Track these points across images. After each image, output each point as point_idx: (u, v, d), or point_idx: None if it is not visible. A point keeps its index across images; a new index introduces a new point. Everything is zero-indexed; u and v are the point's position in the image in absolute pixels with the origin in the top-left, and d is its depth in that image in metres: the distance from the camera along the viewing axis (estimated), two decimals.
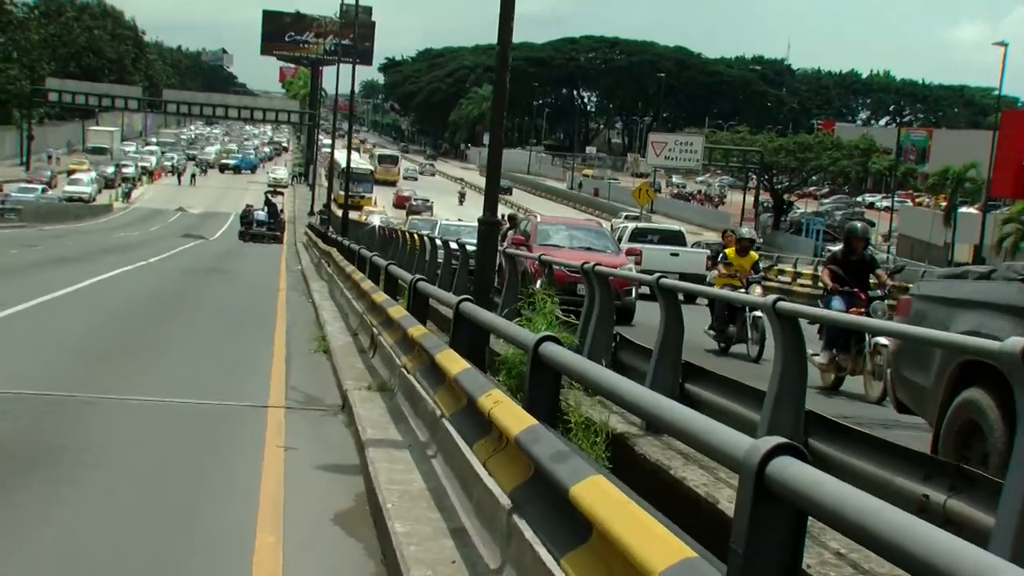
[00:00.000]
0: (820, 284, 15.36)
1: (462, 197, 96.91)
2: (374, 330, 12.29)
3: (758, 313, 13.96)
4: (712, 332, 16.16)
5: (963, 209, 66.12)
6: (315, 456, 8.50)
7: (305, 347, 14.91)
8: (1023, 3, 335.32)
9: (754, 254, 17.21)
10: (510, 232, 23.37)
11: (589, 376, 4.69)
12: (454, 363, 6.85)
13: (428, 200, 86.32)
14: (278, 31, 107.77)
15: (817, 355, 12.43)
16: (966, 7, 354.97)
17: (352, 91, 51.18)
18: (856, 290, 13.00)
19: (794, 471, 2.78)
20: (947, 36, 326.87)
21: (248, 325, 17.97)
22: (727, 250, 17.36)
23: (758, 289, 16.19)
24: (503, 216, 22.69)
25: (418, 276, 10.66)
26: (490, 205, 10.04)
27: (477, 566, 5.34)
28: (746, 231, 18.06)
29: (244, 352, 14.70)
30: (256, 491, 7.32)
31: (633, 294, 19.12)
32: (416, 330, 8.81)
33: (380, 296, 12.21)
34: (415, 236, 25.29)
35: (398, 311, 10.43)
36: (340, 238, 29.74)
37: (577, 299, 14.35)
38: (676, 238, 33.64)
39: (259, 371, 12.60)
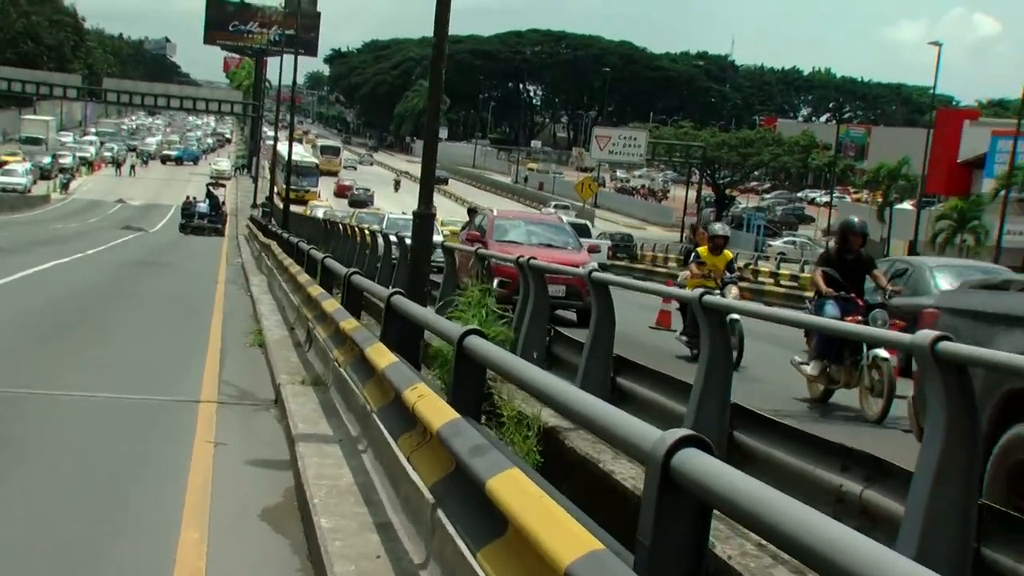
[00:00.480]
0: (812, 286, 13.12)
1: (397, 184, 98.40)
2: (310, 324, 12.21)
3: (735, 316, 12.07)
4: (684, 338, 14.71)
5: (899, 205, 67.08)
6: (245, 451, 8.44)
7: (241, 341, 14.79)
8: (959, 3, 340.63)
9: (728, 252, 15.51)
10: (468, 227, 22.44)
11: (509, 369, 4.69)
12: (382, 357, 6.83)
13: (369, 189, 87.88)
14: (222, 20, 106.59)
15: (805, 364, 11.67)
16: (905, 7, 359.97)
17: (294, 82, 50.69)
18: (853, 295, 11.61)
19: (697, 463, 2.80)
20: (886, 35, 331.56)
21: (184, 318, 17.80)
22: (699, 248, 15.54)
23: (734, 290, 14.69)
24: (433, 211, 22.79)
25: (352, 270, 10.60)
26: (425, 198, 10.01)
27: (402, 561, 5.34)
28: (719, 227, 15.88)
29: (179, 346, 14.56)
30: (183, 487, 7.26)
31: None
32: (348, 323, 8.78)
33: (316, 289, 12.15)
34: (361, 230, 25.26)
35: (332, 304, 10.38)
36: (280, 231, 29.48)
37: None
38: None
39: (193, 365, 12.49)
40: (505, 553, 3.70)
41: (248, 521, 6.67)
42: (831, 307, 11.28)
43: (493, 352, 4.97)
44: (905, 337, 4.67)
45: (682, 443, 2.89)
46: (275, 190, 60.19)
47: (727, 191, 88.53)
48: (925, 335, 4.44)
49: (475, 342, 5.24)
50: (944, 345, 4.36)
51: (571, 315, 18.18)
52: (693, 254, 15.65)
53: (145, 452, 8.38)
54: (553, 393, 3.96)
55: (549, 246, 18.69)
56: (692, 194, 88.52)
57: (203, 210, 55.98)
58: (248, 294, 21.43)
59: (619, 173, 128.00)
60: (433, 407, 5.11)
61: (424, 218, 10.09)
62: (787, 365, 12.12)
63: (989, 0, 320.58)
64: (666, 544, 2.92)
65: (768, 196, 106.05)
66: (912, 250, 58.89)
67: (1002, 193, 48.87)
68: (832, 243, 11.44)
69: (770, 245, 67.68)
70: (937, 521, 4.38)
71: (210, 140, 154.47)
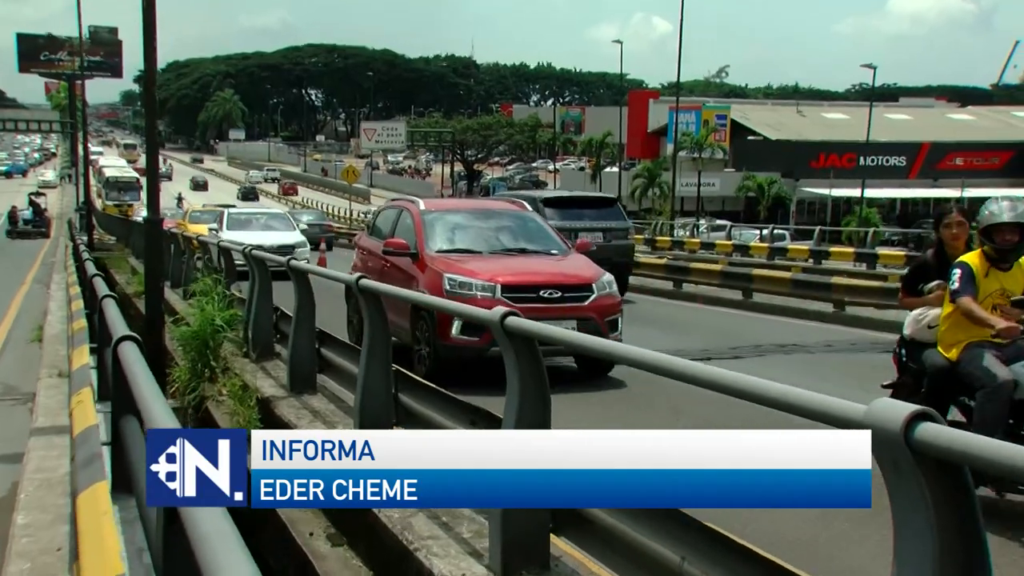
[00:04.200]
0: None
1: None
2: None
3: None
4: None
5: (609, 169, 68.81)
6: None
7: (26, 337, 13.49)
8: (641, 8, 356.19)
9: None
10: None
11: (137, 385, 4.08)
12: (82, 356, 6.12)
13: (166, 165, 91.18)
14: (33, 51, 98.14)
15: None
16: (603, 12, 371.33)
17: (83, 101, 48.20)
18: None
19: None
20: (591, 34, 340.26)
21: None
22: (967, 257, 5.50)
23: None
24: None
25: (94, 273, 9.62)
26: (152, 204, 9.11)
27: None
28: (1007, 207, 5.35)
29: None
30: None
31: (619, 326, 9.17)
32: (78, 324, 7.95)
33: (75, 289, 11.11)
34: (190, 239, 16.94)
35: (78, 305, 9.45)
36: (77, 239, 27.05)
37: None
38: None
39: None
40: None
41: None
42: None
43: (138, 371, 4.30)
44: (483, 312, 4.34)
45: None
46: (92, 194, 56.44)
47: (475, 166, 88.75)
48: (496, 312, 4.13)
49: (126, 349, 4.62)
50: (511, 320, 4.07)
51: (568, 362, 9.57)
52: (960, 272, 5.41)
53: None
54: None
55: (524, 252, 9.84)
56: (447, 170, 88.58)
57: (27, 216, 52.88)
58: (48, 291, 19.74)
59: (390, 157, 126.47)
60: (85, 413, 4.49)
61: (153, 223, 9.18)
62: None
63: (661, 6, 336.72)
64: None
65: (510, 168, 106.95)
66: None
67: (679, 155, 50.72)
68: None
69: None
70: None
71: (37, 155, 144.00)
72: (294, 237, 21.03)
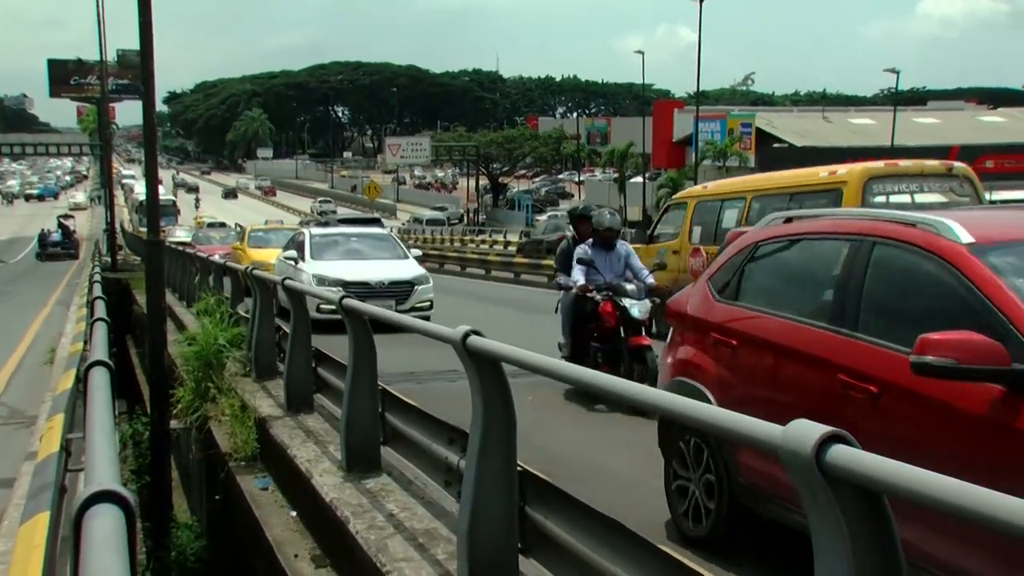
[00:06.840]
0: None
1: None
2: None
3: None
4: None
5: (634, 179, 68.55)
6: None
7: (39, 359, 13.58)
8: (665, 19, 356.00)
9: None
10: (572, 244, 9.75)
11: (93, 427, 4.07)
12: (68, 380, 6.11)
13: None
14: (63, 76, 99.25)
15: None
16: (627, 23, 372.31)
17: (108, 123, 48.44)
18: None
19: None
20: (616, 45, 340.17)
21: None
22: None
23: None
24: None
25: (97, 295, 9.68)
26: (152, 226, 9.07)
27: None
28: None
29: None
30: None
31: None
32: (75, 347, 7.95)
33: (82, 311, 11.16)
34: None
35: (81, 327, 9.48)
36: (97, 261, 27.20)
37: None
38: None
39: None
40: None
41: None
42: None
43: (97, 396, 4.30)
44: (443, 330, 4.27)
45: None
46: (116, 214, 57.10)
47: (500, 179, 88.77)
48: (458, 331, 4.06)
49: (95, 374, 4.61)
50: (473, 339, 3.99)
51: None
52: None
53: None
54: None
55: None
56: (473, 183, 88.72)
57: (56, 239, 53.94)
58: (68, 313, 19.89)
59: (416, 172, 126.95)
60: (51, 440, 4.46)
61: (153, 244, 9.13)
62: None
63: (687, 16, 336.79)
64: None
65: (536, 180, 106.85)
66: (644, 214, 60.24)
67: (704, 163, 50.47)
68: None
69: (538, 220, 68.09)
70: (487, 484, 4.05)
71: (68, 177, 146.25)
72: (410, 269, 14.77)
